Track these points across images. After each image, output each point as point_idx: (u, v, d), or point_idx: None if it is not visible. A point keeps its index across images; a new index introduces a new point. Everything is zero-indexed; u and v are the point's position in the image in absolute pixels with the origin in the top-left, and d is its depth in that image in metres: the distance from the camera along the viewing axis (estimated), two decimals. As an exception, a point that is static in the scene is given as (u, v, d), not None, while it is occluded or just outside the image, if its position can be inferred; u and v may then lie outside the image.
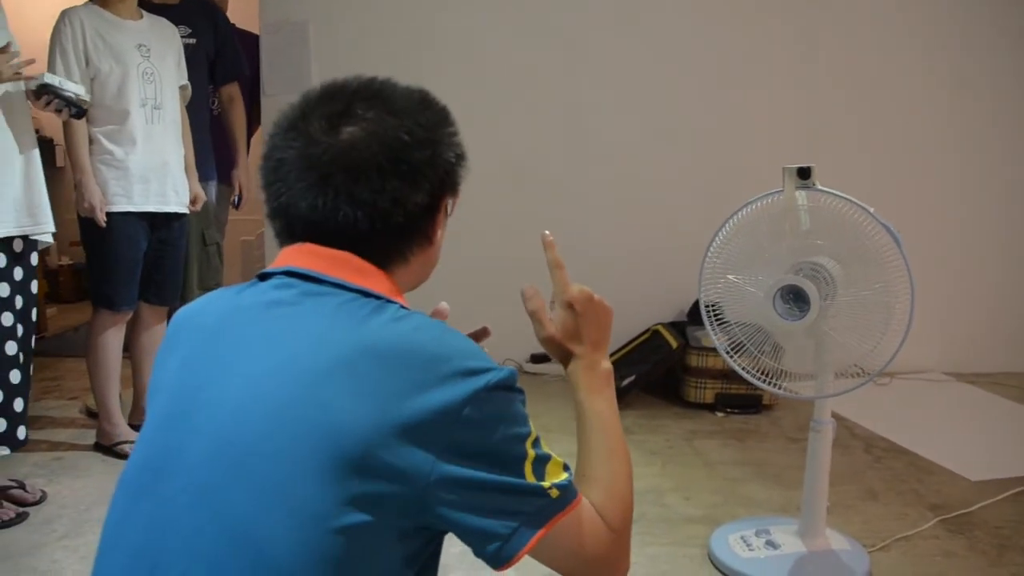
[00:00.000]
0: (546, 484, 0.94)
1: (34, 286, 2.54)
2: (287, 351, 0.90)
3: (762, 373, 2.27)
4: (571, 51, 4.11)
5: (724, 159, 4.05)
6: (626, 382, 3.71)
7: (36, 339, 2.71)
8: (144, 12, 3.01)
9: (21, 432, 2.47)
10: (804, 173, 2.16)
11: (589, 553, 1.02)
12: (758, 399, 3.68)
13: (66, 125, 2.78)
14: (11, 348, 2.41)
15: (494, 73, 4.10)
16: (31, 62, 2.40)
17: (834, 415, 2.28)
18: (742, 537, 2.35)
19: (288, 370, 0.89)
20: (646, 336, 4.04)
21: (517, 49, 4.08)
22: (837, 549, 2.29)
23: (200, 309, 1.04)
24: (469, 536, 0.92)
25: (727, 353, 2.31)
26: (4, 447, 2.41)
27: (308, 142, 0.98)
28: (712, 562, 2.30)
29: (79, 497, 2.65)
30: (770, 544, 2.29)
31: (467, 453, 0.88)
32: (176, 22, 3.15)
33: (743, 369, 2.27)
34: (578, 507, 0.98)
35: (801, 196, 2.16)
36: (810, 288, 2.08)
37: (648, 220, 4.17)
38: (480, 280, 4.19)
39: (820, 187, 2.16)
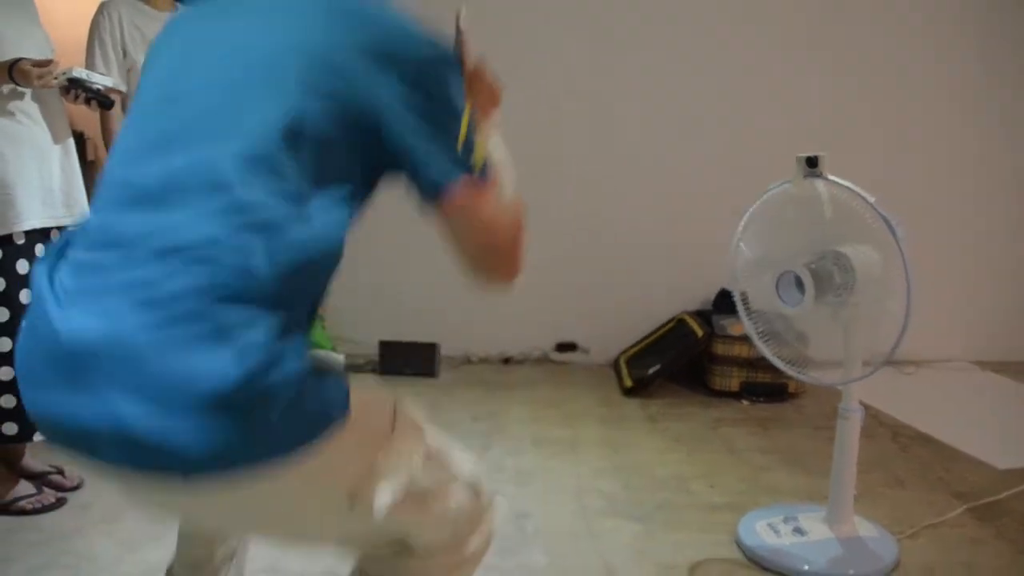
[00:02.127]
0: (477, 157, 1.14)
1: (69, 276, 2.59)
2: (262, 10, 1.13)
3: (789, 361, 2.29)
4: (598, 43, 4.11)
5: (751, 149, 4.04)
6: (652, 370, 3.73)
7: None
8: (179, 4, 3.05)
9: None
10: (812, 162, 2.17)
11: (503, 232, 1.20)
12: (784, 387, 3.69)
13: (103, 116, 2.83)
14: None
15: (520, 66, 4.11)
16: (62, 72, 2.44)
17: (860, 403, 2.29)
18: (769, 524, 2.37)
19: (265, 19, 1.12)
20: (671, 325, 4.05)
21: (543, 41, 4.09)
22: (865, 536, 2.30)
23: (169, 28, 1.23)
24: (413, 158, 1.10)
25: (760, 339, 2.32)
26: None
27: None
28: (740, 548, 2.32)
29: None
30: (798, 531, 2.31)
31: (417, 85, 1.09)
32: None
33: (773, 355, 2.29)
34: (494, 189, 1.18)
35: (820, 185, 2.16)
36: (806, 277, 2.10)
37: (674, 210, 4.18)
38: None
39: (826, 176, 2.16)
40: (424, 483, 1.17)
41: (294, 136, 1.02)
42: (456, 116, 1.12)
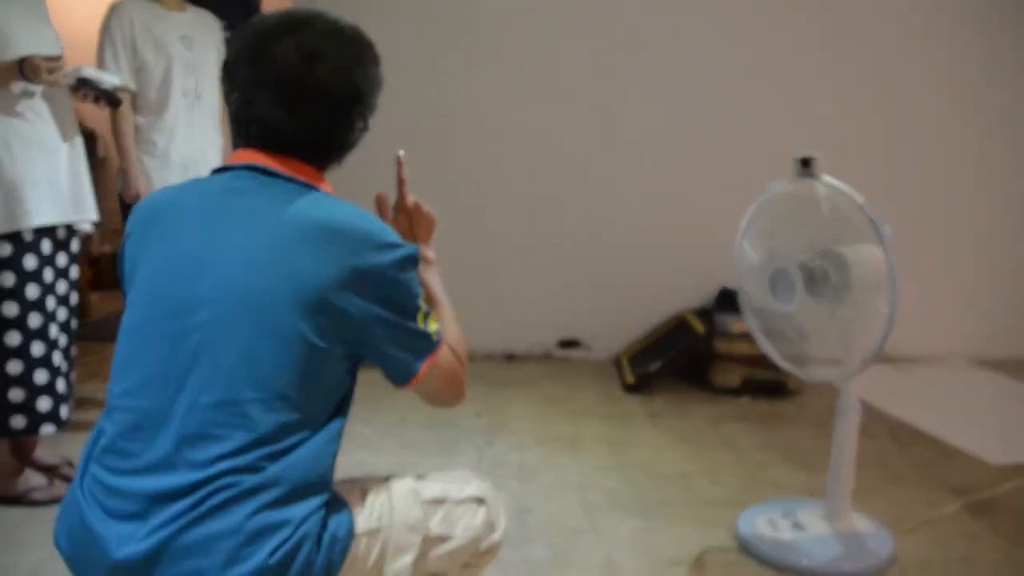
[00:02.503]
0: (431, 329, 1.34)
1: (75, 272, 2.63)
2: (261, 227, 1.24)
3: (789, 358, 2.33)
4: (599, 44, 4.15)
5: (753, 148, 4.08)
6: (653, 368, 3.77)
7: (80, 324, 2.80)
8: (189, 5, 3.09)
9: (64, 412, 2.56)
10: (806, 163, 2.21)
11: (451, 378, 1.41)
12: (784, 384, 3.73)
13: (114, 114, 2.87)
14: (53, 331, 2.50)
15: (523, 64, 4.14)
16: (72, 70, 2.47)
17: (859, 401, 2.32)
18: (769, 519, 2.41)
19: (265, 240, 1.23)
20: (673, 322, 4.09)
21: (545, 42, 4.12)
22: (863, 531, 2.34)
23: (172, 198, 1.34)
24: (387, 361, 1.31)
25: (762, 336, 2.36)
26: (50, 425, 2.50)
27: (279, 67, 1.29)
28: (739, 543, 2.36)
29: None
30: (796, 526, 2.35)
31: (388, 301, 1.26)
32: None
33: (773, 352, 2.34)
34: (445, 345, 1.39)
35: (818, 185, 2.20)
36: (796, 275, 2.14)
37: (675, 209, 4.21)
38: (509, 264, 4.26)
39: (820, 177, 2.20)
40: (433, 529, 1.38)
41: (302, 374, 1.21)
42: (417, 307, 1.32)
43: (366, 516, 1.31)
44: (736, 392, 3.74)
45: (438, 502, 1.41)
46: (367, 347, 1.28)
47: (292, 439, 1.19)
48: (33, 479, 2.57)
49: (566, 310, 4.30)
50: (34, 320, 2.43)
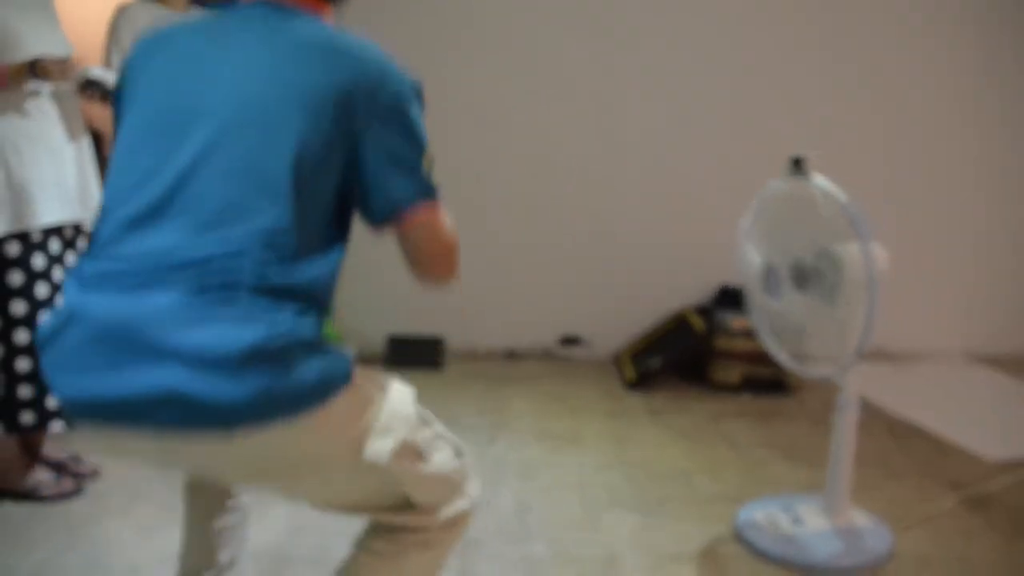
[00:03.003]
0: (434, 182, 1.35)
1: (83, 271, 2.65)
2: (266, 44, 1.27)
3: (790, 355, 2.36)
4: (600, 39, 4.16)
5: (753, 146, 4.10)
6: (654, 365, 3.80)
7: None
8: (193, 7, 3.12)
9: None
10: (797, 163, 2.24)
11: (447, 245, 1.42)
12: (784, 382, 3.75)
13: None
14: None
15: (524, 62, 4.16)
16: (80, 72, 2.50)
17: (858, 398, 2.35)
18: (768, 515, 2.43)
19: (269, 55, 1.25)
20: (673, 321, 4.11)
21: (544, 41, 4.14)
22: (861, 527, 2.37)
23: (175, 28, 1.37)
24: (381, 185, 1.29)
25: (765, 333, 2.39)
26: (59, 422, 2.53)
27: None
28: (739, 539, 2.39)
29: (132, 471, 2.77)
30: (796, 521, 2.37)
31: (393, 123, 1.28)
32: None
33: (775, 350, 2.36)
34: (441, 205, 1.38)
35: (814, 184, 2.22)
36: (784, 272, 2.17)
37: (675, 207, 4.23)
38: (511, 263, 4.28)
39: (810, 176, 2.22)
40: (417, 437, 1.37)
41: (300, 171, 1.22)
42: (421, 144, 1.32)
43: (366, 382, 1.32)
44: (736, 389, 3.77)
45: (427, 423, 1.43)
46: (365, 165, 1.28)
47: (292, 243, 1.20)
48: (41, 475, 2.60)
49: (567, 308, 4.32)
50: (44, 319, 2.45)
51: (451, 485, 1.43)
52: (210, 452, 1.19)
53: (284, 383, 1.13)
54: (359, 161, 1.27)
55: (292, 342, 1.15)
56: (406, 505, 1.38)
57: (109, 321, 1.14)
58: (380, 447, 1.28)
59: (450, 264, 1.43)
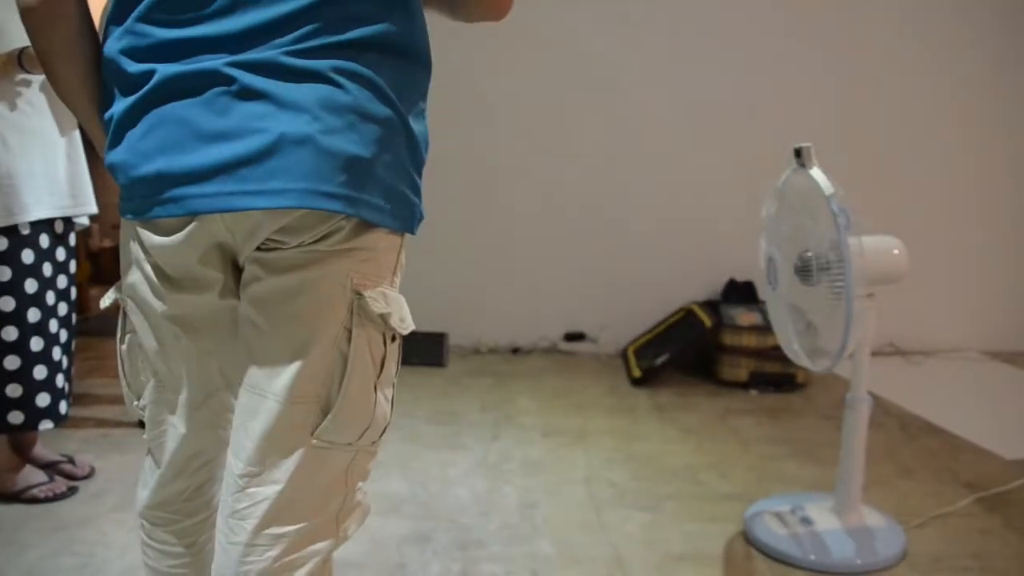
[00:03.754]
0: None
1: (73, 266, 2.60)
2: None
3: (800, 350, 2.29)
4: (609, 35, 4.10)
5: (760, 139, 4.04)
6: (660, 360, 3.74)
7: (80, 320, 2.77)
8: None
9: (63, 407, 2.54)
10: (797, 153, 2.17)
11: None
12: (792, 377, 3.69)
13: None
14: (53, 326, 2.48)
15: (531, 58, 4.10)
16: None
17: (869, 393, 2.28)
18: (777, 513, 2.37)
19: None
20: (680, 315, 4.05)
21: (554, 34, 4.08)
22: (872, 526, 2.30)
23: None
24: None
25: (777, 326, 2.34)
26: (48, 421, 2.48)
27: None
28: (747, 538, 2.33)
29: (126, 472, 2.72)
30: (805, 520, 2.31)
31: None
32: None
33: (783, 343, 2.31)
34: None
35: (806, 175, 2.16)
36: (782, 263, 2.12)
37: (681, 201, 4.18)
38: (515, 258, 4.22)
39: (810, 167, 2.15)
40: (392, 368, 1.19)
41: None
42: None
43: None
44: (744, 385, 3.71)
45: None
46: None
47: None
48: (33, 476, 2.55)
49: (572, 303, 4.27)
50: (32, 315, 2.40)
51: (366, 457, 1.18)
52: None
53: (372, 180, 1.07)
54: None
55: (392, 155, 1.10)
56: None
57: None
58: (381, 303, 1.12)
59: None
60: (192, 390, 1.21)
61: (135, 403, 1.28)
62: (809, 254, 2.16)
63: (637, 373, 3.78)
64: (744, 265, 4.03)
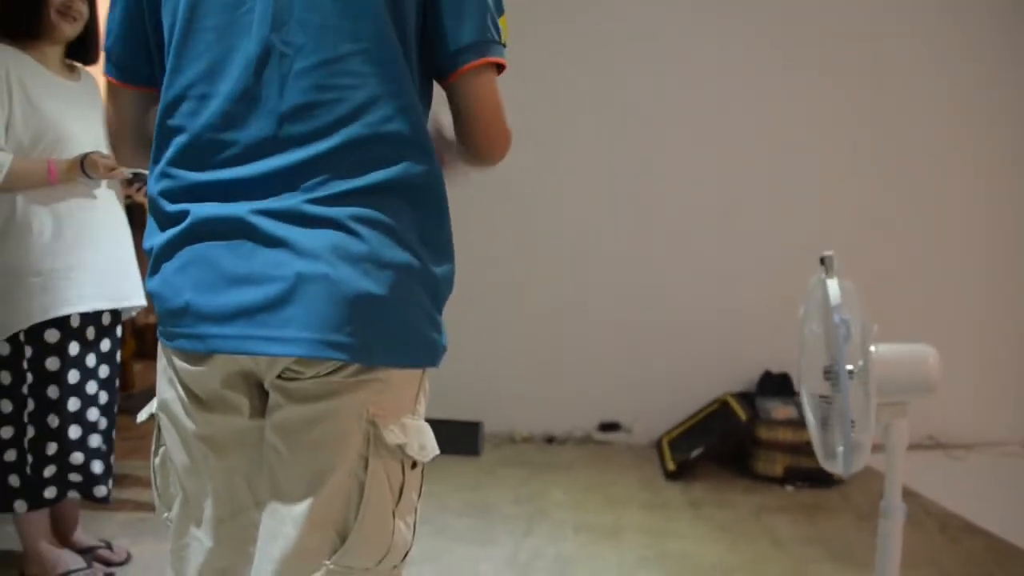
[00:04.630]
0: (501, 25, 1.21)
1: (118, 356, 2.68)
2: None
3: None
4: (640, 124, 4.19)
5: (795, 230, 4.06)
6: (695, 454, 3.71)
7: (124, 396, 2.84)
8: None
9: (100, 490, 2.58)
10: (822, 261, 2.20)
11: (502, 113, 1.24)
12: (829, 473, 3.63)
13: None
14: (92, 414, 2.54)
15: (565, 146, 4.19)
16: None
17: (907, 490, 2.25)
18: (812, 622, 2.33)
19: None
20: (715, 407, 4.04)
21: (582, 124, 4.17)
22: (910, 637, 2.25)
23: None
24: (453, 17, 1.16)
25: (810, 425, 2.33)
26: (75, 492, 2.53)
27: None
28: (781, 646, 2.29)
29: (162, 558, 2.74)
30: (840, 630, 2.27)
31: None
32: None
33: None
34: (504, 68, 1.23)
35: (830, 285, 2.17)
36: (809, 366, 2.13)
37: (716, 290, 4.20)
38: (550, 347, 4.25)
39: (829, 276, 2.17)
40: (414, 494, 1.21)
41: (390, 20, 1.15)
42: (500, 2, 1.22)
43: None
44: (779, 481, 3.67)
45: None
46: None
47: (399, 102, 1.13)
48: (71, 561, 2.58)
49: (607, 392, 4.27)
50: (72, 404, 2.47)
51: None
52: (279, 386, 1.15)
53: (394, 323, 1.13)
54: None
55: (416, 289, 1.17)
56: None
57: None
58: (397, 436, 1.15)
59: (505, 132, 1.27)
60: (219, 506, 1.25)
61: (165, 514, 1.32)
62: (836, 359, 2.17)
63: (672, 466, 3.76)
64: (780, 357, 4.02)
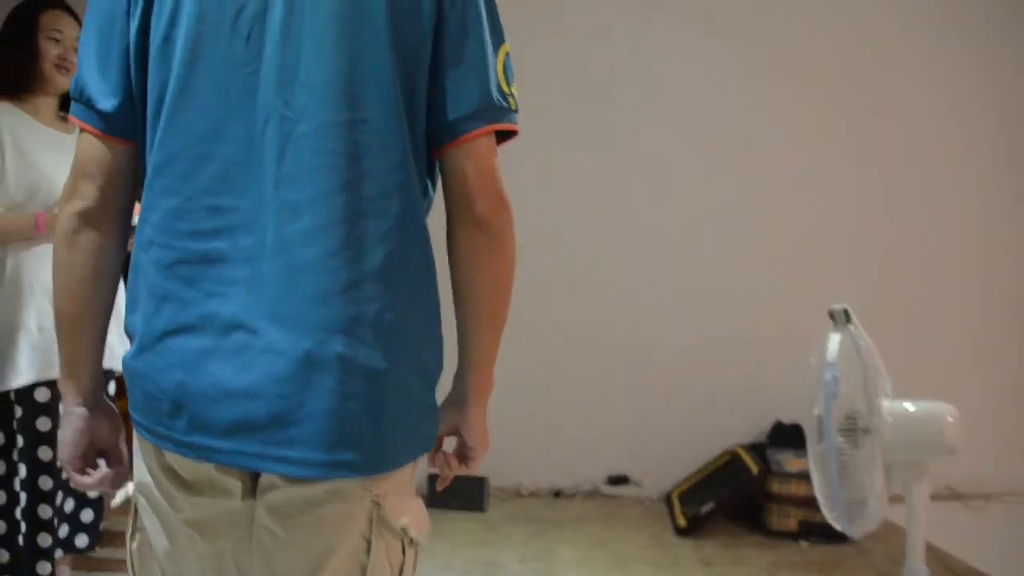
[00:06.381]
0: (512, 91, 1.13)
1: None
2: None
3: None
4: (637, 171, 4.15)
5: (802, 279, 4.00)
6: (706, 509, 3.61)
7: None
8: None
9: (81, 540, 2.52)
10: (832, 315, 2.17)
11: (501, 183, 1.14)
12: (845, 528, 3.54)
13: None
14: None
15: (562, 193, 4.15)
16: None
17: (927, 544, 2.17)
18: None
19: None
20: (725, 459, 3.94)
21: (587, 163, 4.14)
22: None
23: None
24: (452, 78, 1.09)
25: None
26: (61, 550, 2.45)
27: None
28: None
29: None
30: None
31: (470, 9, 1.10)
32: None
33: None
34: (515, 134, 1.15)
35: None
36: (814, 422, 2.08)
37: (725, 340, 4.11)
38: (556, 400, 4.17)
39: (841, 329, 2.14)
40: (409, 563, 1.16)
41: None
42: (496, 40, 1.13)
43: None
44: (794, 536, 3.56)
45: None
46: (436, 56, 1.09)
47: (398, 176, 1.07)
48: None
49: (614, 445, 4.18)
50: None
51: None
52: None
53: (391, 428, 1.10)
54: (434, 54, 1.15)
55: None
56: None
57: None
58: (406, 519, 1.12)
59: (511, 235, 1.18)
60: None
61: None
62: (854, 414, 2.11)
63: (683, 523, 3.65)
64: (790, 407, 3.94)
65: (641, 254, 4.16)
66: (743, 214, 4.13)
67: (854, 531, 2.16)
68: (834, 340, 2.10)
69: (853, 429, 2.13)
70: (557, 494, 4.14)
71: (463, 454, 1.30)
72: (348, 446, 1.04)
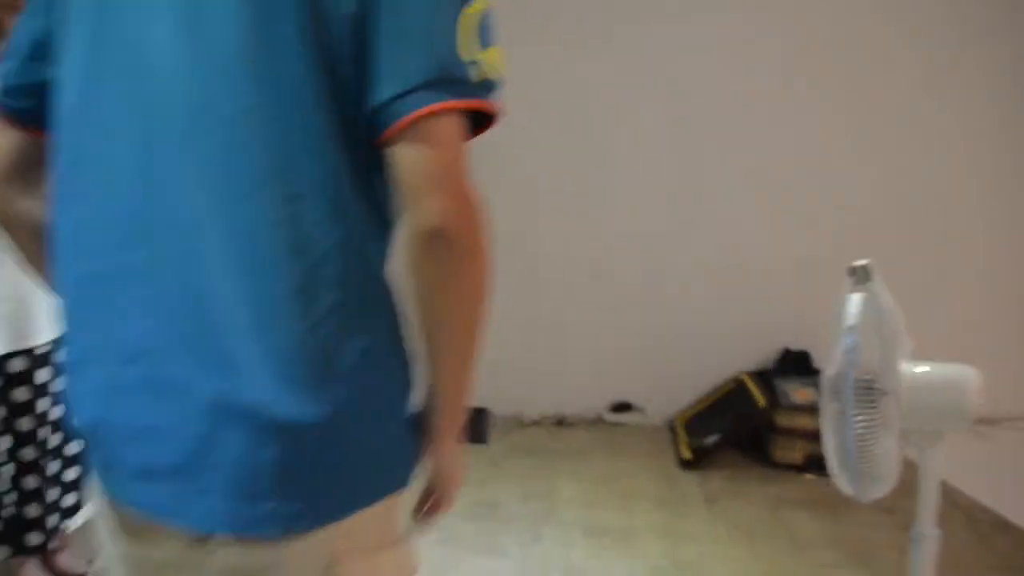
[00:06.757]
0: (480, 58, 0.88)
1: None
2: None
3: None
4: (656, 103, 3.97)
5: (813, 202, 3.86)
6: (710, 441, 3.57)
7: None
8: None
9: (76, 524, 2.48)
10: (853, 272, 2.03)
11: (463, 179, 0.90)
12: (851, 460, 3.50)
13: None
14: (73, 448, 2.42)
15: (574, 128, 3.99)
16: None
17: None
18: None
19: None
20: (730, 387, 3.88)
21: (598, 102, 3.96)
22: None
23: None
24: (377, 63, 0.86)
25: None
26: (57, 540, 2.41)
27: None
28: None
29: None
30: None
31: None
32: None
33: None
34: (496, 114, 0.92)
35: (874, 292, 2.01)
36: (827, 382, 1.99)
37: (731, 262, 4.00)
38: (560, 325, 4.10)
39: (862, 287, 2.00)
40: None
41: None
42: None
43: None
44: (799, 468, 3.52)
45: None
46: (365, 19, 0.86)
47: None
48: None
49: (618, 371, 4.12)
50: (43, 434, 2.33)
51: None
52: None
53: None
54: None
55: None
56: None
57: None
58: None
59: (484, 258, 0.97)
60: None
61: None
62: (870, 375, 2.01)
63: (687, 455, 3.61)
64: (798, 332, 3.87)
65: (645, 179, 4.01)
66: (750, 140, 3.96)
67: (864, 496, 2.08)
68: (854, 301, 1.98)
69: (870, 389, 2.03)
70: (560, 422, 4.10)
71: (429, 492, 1.14)
72: (268, 497, 0.91)
